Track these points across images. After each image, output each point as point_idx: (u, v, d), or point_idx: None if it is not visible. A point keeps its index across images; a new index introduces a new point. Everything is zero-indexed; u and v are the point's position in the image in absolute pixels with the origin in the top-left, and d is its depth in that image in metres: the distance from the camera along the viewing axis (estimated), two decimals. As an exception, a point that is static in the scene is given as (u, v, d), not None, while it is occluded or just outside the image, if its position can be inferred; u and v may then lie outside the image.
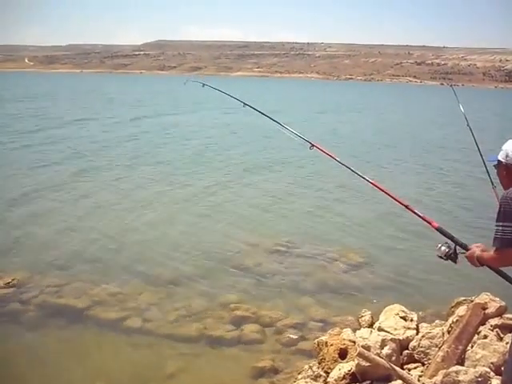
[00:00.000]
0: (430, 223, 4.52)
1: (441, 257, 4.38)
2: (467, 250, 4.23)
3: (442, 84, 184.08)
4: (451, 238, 4.40)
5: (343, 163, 5.29)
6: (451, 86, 9.08)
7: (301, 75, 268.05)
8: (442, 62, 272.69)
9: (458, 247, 4.33)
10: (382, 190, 4.90)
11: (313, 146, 5.51)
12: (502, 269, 4.17)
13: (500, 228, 3.76)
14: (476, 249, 4.13)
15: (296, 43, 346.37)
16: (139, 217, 14.48)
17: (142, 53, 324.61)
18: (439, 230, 4.48)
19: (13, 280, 9.75)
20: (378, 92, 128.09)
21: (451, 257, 4.32)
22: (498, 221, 3.79)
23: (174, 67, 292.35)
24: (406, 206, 4.73)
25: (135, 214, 14.69)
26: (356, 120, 47.41)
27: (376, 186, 4.94)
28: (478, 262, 4.04)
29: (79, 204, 15.54)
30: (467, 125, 7.13)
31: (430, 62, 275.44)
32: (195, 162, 23.42)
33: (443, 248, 4.33)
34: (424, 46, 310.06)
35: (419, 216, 4.62)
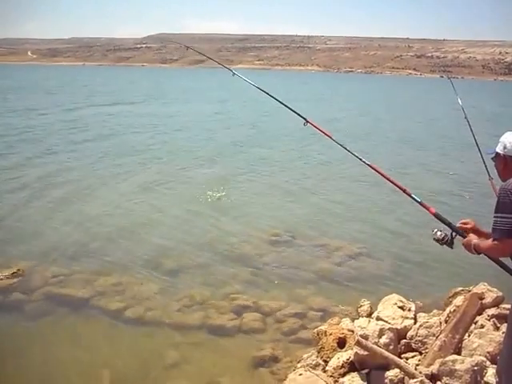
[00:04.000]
0: (427, 209, 4.58)
1: (436, 241, 4.45)
2: (464, 236, 4.31)
3: (442, 77, 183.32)
4: (448, 224, 4.46)
5: (338, 142, 5.22)
6: (449, 78, 9.08)
7: (301, 68, 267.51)
8: (442, 55, 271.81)
9: (454, 233, 4.42)
10: (380, 173, 4.86)
11: (307, 122, 5.44)
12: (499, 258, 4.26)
13: (498, 219, 3.82)
14: (473, 236, 4.20)
15: (297, 36, 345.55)
16: (140, 208, 14.56)
17: (144, 46, 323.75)
18: (436, 215, 4.54)
19: (17, 270, 9.82)
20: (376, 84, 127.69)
21: (447, 242, 4.40)
22: (496, 212, 3.86)
23: (176, 60, 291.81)
24: (404, 191, 4.75)
25: (136, 206, 14.77)
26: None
27: (373, 169, 4.89)
28: (475, 250, 4.11)
29: (81, 196, 15.58)
30: (465, 117, 7.19)
31: (429, 54, 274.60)
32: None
33: (439, 233, 4.41)
34: (424, 39, 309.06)
35: (417, 201, 4.66)
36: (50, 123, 31.56)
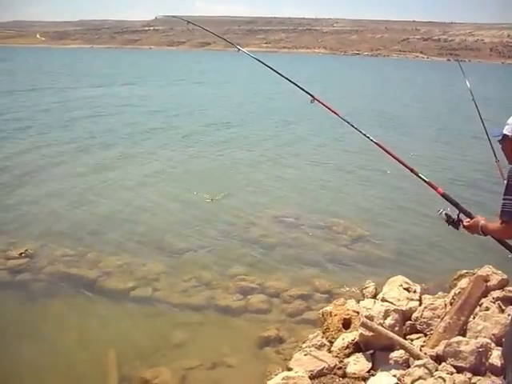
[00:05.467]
0: (435, 189, 4.54)
1: (445, 221, 4.44)
2: (471, 218, 4.30)
3: (449, 60, 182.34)
4: (456, 204, 4.43)
5: (346, 120, 5.13)
6: (457, 60, 9.05)
7: (308, 50, 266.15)
8: (449, 38, 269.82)
9: (461, 214, 4.40)
10: (387, 152, 4.76)
11: (314, 99, 5.34)
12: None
13: (507, 202, 3.81)
14: (480, 218, 4.19)
15: (303, 19, 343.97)
16: (146, 189, 14.63)
17: (151, 28, 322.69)
18: (444, 196, 4.51)
19: (25, 250, 9.89)
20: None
21: (453, 223, 4.37)
22: (505, 194, 3.82)
23: (183, 43, 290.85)
24: (411, 170, 4.69)
25: (142, 187, 14.85)
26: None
27: (380, 147, 4.80)
28: (482, 231, 4.10)
29: (88, 177, 15.63)
30: (472, 99, 7.14)
31: (436, 37, 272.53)
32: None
33: (444, 213, 4.39)
34: (431, 22, 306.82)
35: (424, 181, 4.60)
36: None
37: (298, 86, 5.64)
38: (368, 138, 4.93)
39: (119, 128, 24.61)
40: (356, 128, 5.03)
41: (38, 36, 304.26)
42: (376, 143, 4.87)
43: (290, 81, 5.80)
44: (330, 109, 5.23)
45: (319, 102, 5.29)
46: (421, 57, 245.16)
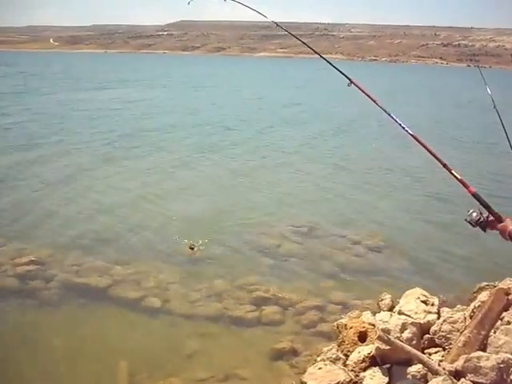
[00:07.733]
0: (466, 187, 4.39)
1: (470, 223, 4.28)
2: (500, 221, 4.15)
3: (469, 66, 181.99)
4: (486, 206, 4.30)
5: (383, 108, 4.99)
6: (477, 66, 8.90)
7: (325, 56, 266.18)
8: (470, 44, 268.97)
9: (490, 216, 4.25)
10: (422, 145, 4.60)
11: (351, 82, 5.22)
12: None
13: None
14: (509, 222, 4.05)
15: (320, 24, 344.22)
16: (157, 198, 14.55)
17: (165, 33, 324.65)
18: (475, 195, 4.36)
19: (35, 258, 9.83)
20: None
21: (481, 225, 4.23)
22: None
23: (198, 47, 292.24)
24: (444, 165, 4.52)
25: (153, 193, 14.82)
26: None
27: (416, 140, 4.66)
28: (510, 237, 3.99)
29: (98, 184, 15.63)
30: (494, 107, 6.98)
31: (456, 43, 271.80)
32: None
33: (474, 214, 4.23)
34: (451, 27, 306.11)
35: (457, 178, 4.45)
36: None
37: (337, 69, 5.54)
38: (404, 128, 4.77)
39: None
40: (393, 117, 4.86)
41: (51, 41, 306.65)
42: (412, 135, 4.70)
43: (329, 63, 5.73)
44: (367, 95, 5.07)
45: (356, 86, 5.14)
46: (440, 63, 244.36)
